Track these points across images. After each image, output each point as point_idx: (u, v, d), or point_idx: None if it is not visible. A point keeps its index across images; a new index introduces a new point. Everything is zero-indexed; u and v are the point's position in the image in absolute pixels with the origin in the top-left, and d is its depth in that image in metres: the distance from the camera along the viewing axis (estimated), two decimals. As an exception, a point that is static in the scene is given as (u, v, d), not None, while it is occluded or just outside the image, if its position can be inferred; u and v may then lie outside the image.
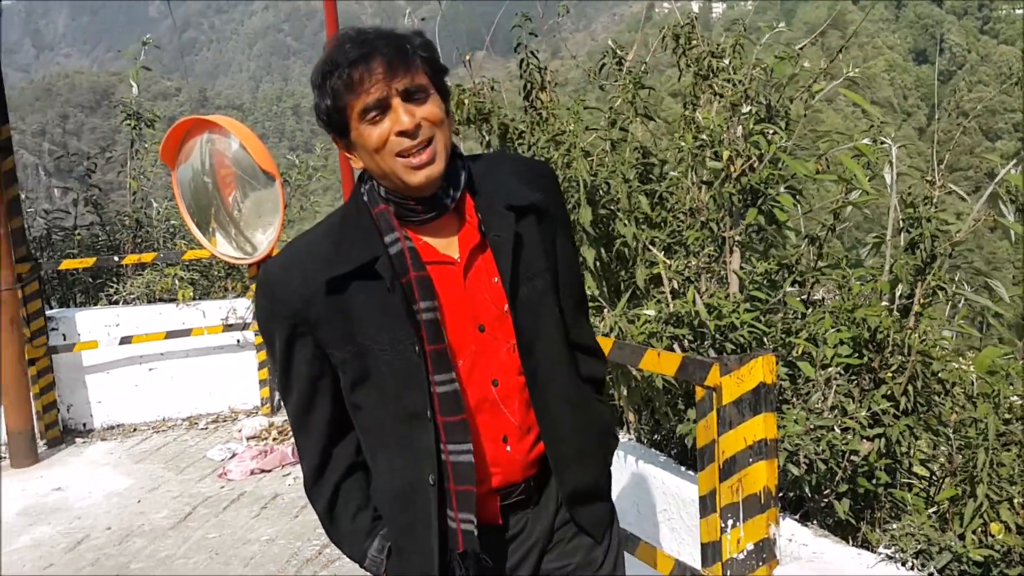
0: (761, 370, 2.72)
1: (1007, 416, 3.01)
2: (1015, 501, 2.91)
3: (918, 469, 3.43)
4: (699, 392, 2.80)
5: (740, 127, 3.54)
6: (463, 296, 1.91)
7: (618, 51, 4.33)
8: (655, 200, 4.05)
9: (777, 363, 2.75)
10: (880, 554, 2.60)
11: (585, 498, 2.07)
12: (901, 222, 3.50)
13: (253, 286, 7.46)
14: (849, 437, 2.98)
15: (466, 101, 4.41)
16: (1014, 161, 3.23)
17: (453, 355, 1.88)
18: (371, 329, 1.85)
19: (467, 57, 5.01)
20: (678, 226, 3.89)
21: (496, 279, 1.93)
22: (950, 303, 3.36)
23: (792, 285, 3.67)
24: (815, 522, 3.16)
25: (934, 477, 3.34)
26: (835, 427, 2.97)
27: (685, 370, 2.81)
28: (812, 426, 2.95)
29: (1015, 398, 3.03)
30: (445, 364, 1.86)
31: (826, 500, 3.18)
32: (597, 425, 2.13)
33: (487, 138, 4.44)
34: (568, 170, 3.85)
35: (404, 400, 1.87)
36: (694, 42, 3.99)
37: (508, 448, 1.96)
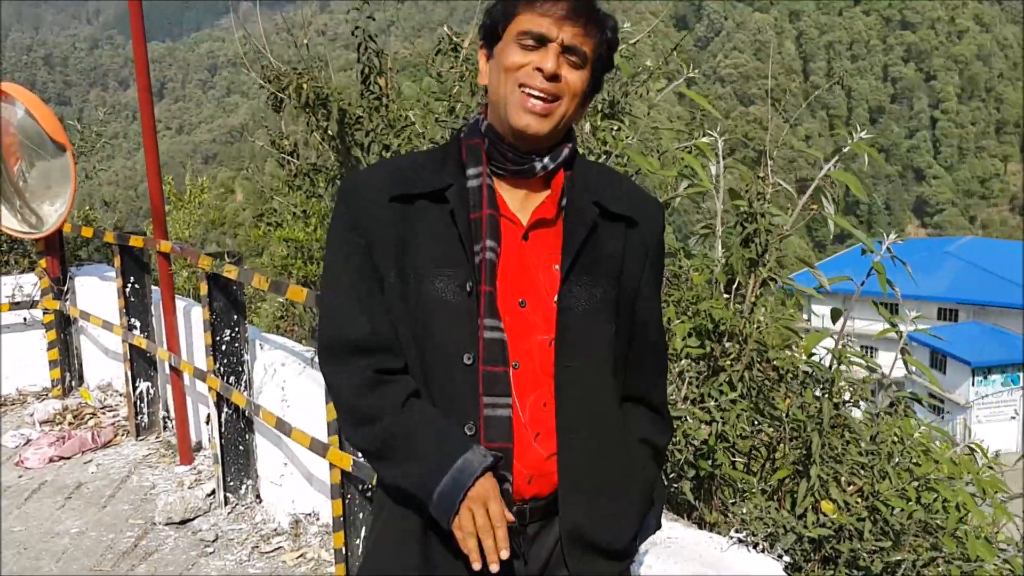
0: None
1: (835, 400, 3.26)
2: (842, 480, 3.16)
3: (741, 445, 3.64)
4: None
5: (588, 123, 3.61)
6: (515, 261, 1.83)
7: (453, 37, 4.29)
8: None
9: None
10: (732, 537, 2.74)
11: (589, 546, 1.85)
12: (729, 213, 3.69)
13: (42, 261, 6.93)
14: (696, 423, 3.13)
15: (304, 86, 4.23)
16: (835, 159, 3.47)
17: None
18: (426, 258, 1.79)
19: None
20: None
21: (556, 267, 1.83)
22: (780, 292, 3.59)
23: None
24: (666, 507, 3.29)
25: (769, 458, 3.56)
26: (687, 417, 3.11)
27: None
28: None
29: (843, 383, 3.28)
30: (495, 309, 1.78)
31: (675, 486, 3.33)
32: (633, 475, 1.93)
33: (325, 124, 4.28)
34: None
35: (447, 340, 1.78)
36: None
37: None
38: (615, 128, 3.64)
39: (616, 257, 1.88)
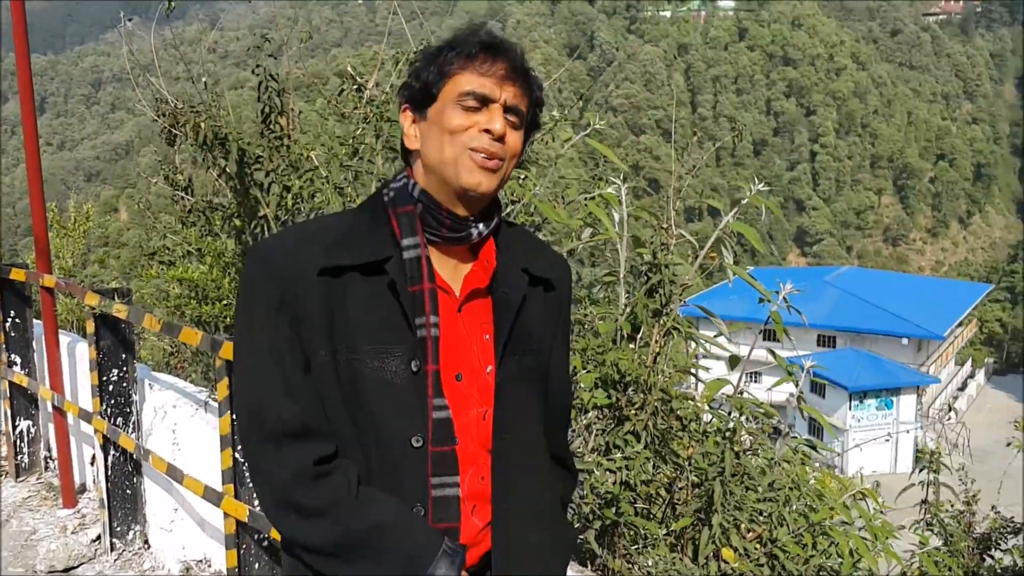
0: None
1: (736, 449, 3.32)
2: (742, 527, 3.22)
3: (642, 491, 3.68)
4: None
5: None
6: (451, 334, 1.76)
7: (358, 78, 4.24)
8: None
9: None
10: (638, 590, 2.75)
11: None
12: (634, 261, 3.75)
13: None
14: (601, 473, 3.15)
15: (202, 124, 4.10)
16: (735, 210, 3.56)
17: None
18: (363, 337, 1.69)
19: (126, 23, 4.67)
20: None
21: (488, 336, 1.80)
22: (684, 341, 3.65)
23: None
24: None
25: (670, 503, 3.60)
26: (595, 470, 3.12)
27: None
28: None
29: (745, 435, 3.35)
30: (440, 387, 1.72)
31: (581, 536, 3.33)
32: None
33: (223, 163, 4.16)
34: (312, 201, 3.72)
35: (394, 421, 1.70)
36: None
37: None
38: (522, 176, 3.66)
39: (539, 323, 1.88)
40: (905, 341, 50.17)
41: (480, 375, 1.79)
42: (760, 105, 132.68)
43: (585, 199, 3.60)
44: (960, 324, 57.20)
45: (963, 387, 57.05)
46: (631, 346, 3.54)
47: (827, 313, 51.22)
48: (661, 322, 3.48)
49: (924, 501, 5.67)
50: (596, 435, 3.32)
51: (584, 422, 3.31)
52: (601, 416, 3.41)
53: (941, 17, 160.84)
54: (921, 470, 5.57)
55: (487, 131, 1.70)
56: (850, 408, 44.63)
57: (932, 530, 5.87)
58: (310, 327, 1.69)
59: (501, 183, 1.79)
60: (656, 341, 3.50)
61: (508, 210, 3.60)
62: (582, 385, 3.33)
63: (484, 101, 1.71)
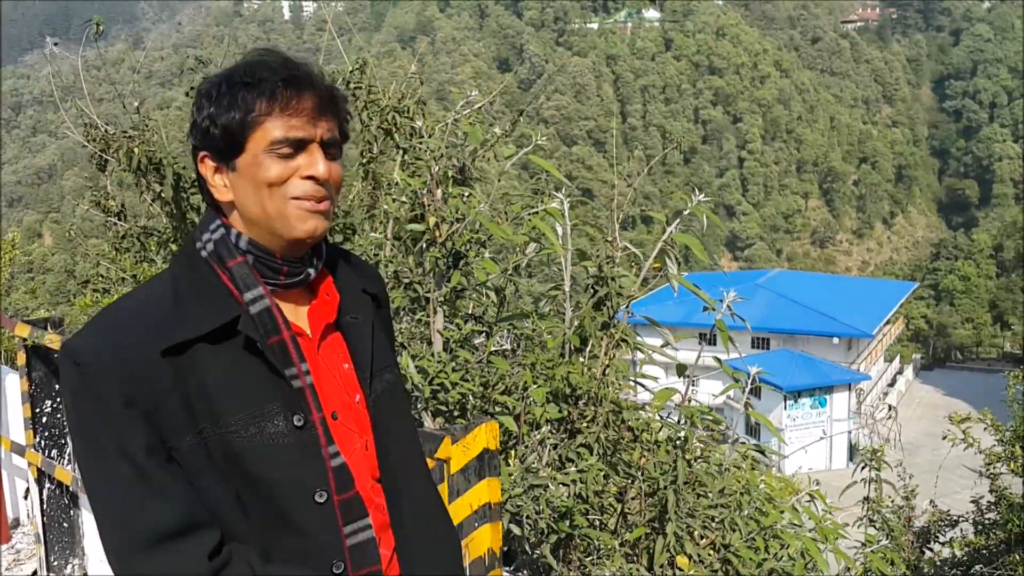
0: (485, 437, 2.78)
1: (688, 457, 3.36)
2: (695, 534, 3.25)
3: (594, 501, 3.70)
4: (429, 464, 2.80)
5: (440, 190, 3.60)
6: (317, 375, 1.66)
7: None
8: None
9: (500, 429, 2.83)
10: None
11: None
12: (584, 276, 3.77)
13: None
14: (555, 488, 3.16)
15: (136, 150, 4.00)
16: (677, 221, 3.60)
17: None
18: (231, 408, 1.54)
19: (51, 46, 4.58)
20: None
21: (347, 365, 1.72)
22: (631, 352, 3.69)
23: (480, 335, 3.81)
24: (526, 572, 3.30)
25: (623, 512, 3.62)
26: (549, 484, 3.13)
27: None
28: (529, 485, 3.07)
29: (697, 443, 3.39)
30: (330, 434, 1.63)
31: (537, 551, 3.33)
32: (454, 548, 1.92)
33: (159, 188, 4.06)
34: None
35: (289, 484, 1.58)
36: (373, 94, 3.98)
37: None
38: (466, 194, 3.66)
39: (382, 338, 1.85)
40: (836, 340, 51.24)
41: (352, 407, 1.71)
42: (688, 113, 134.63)
43: (529, 214, 3.62)
44: (888, 322, 58.61)
45: (893, 383, 58.43)
46: (580, 359, 3.56)
47: (760, 315, 52.02)
48: (609, 334, 3.51)
49: (866, 498, 5.81)
50: (549, 449, 3.32)
51: (538, 437, 3.32)
52: (554, 431, 3.42)
53: (859, 24, 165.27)
54: (862, 467, 5.70)
55: (310, 177, 1.58)
56: (785, 407, 45.38)
57: (875, 526, 6.01)
58: (166, 416, 1.53)
59: (329, 222, 1.68)
60: (605, 353, 3.53)
61: (453, 228, 3.60)
62: (533, 400, 3.34)
63: (299, 145, 1.57)
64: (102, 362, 1.51)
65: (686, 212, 3.57)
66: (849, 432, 44.00)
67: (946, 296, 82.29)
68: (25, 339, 4.76)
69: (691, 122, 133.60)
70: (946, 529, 7.92)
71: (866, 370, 52.60)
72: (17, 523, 5.73)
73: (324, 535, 1.61)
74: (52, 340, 4.59)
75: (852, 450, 43.80)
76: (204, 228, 1.65)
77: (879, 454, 5.57)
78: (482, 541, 2.82)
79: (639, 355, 3.75)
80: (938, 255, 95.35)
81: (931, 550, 7.86)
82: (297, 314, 1.69)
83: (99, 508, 1.56)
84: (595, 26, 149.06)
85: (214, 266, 1.62)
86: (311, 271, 1.68)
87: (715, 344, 3.91)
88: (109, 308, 1.61)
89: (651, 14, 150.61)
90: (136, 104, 4.22)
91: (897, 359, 63.08)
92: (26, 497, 5.71)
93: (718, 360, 3.68)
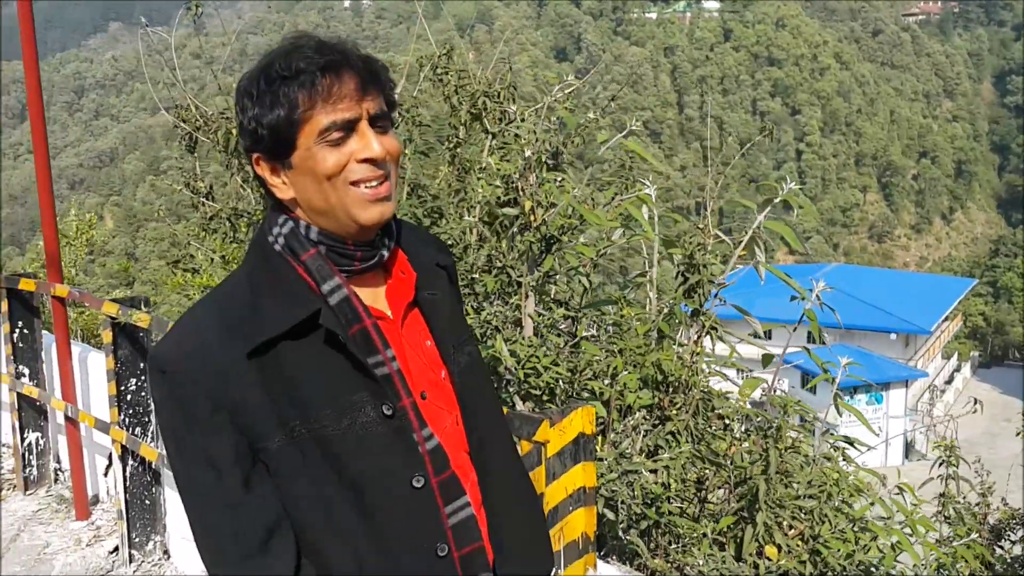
0: (581, 421, 2.79)
1: (780, 447, 3.33)
2: (784, 524, 3.23)
3: (677, 488, 3.69)
4: (525, 446, 2.82)
5: (533, 175, 3.61)
6: (404, 357, 1.65)
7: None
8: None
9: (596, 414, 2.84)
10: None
11: None
12: (661, 256, 3.76)
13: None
14: (654, 476, 3.16)
15: (233, 131, 4.08)
16: (768, 208, 3.58)
17: None
18: (320, 403, 1.54)
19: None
20: (466, 271, 3.89)
21: (429, 343, 1.72)
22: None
23: (565, 320, 3.82)
24: (614, 558, 3.30)
25: (707, 501, 3.61)
26: (643, 470, 3.13)
27: (511, 425, 2.80)
28: (623, 471, 3.08)
29: (792, 433, 3.37)
30: (422, 416, 1.63)
31: (626, 537, 3.34)
32: (540, 518, 1.95)
33: (251, 170, 4.12)
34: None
35: (382, 475, 1.58)
36: (464, 79, 4.01)
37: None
38: (559, 179, 3.66)
39: (459, 310, 1.86)
40: (893, 336, 50.42)
41: (438, 384, 1.72)
42: (746, 105, 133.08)
43: (620, 200, 3.62)
44: (946, 319, 57.53)
45: (950, 380, 57.34)
46: (672, 345, 3.55)
47: (817, 310, 51.33)
48: (700, 321, 3.50)
49: (942, 495, 5.72)
50: (643, 435, 3.33)
51: (631, 423, 3.32)
52: (647, 417, 3.42)
53: (920, 17, 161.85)
54: (940, 463, 5.61)
55: (366, 160, 1.56)
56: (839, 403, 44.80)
57: (949, 523, 5.91)
58: (254, 417, 1.54)
59: (395, 197, 1.66)
60: (695, 341, 3.52)
61: (547, 213, 3.62)
62: (626, 385, 3.34)
63: (349, 127, 1.55)
64: (187, 368, 1.53)
65: (777, 200, 3.55)
66: (905, 431, 43.30)
67: (1004, 293, 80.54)
68: (113, 317, 4.86)
69: (749, 113, 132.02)
70: (1016, 527, 7.78)
71: (923, 367, 51.69)
72: (96, 500, 5.87)
73: (426, 519, 1.61)
74: (141, 319, 4.69)
75: (908, 447, 43.11)
76: (272, 223, 1.64)
77: (955, 449, 5.47)
78: (576, 525, 2.84)
79: (719, 345, 3.73)
80: (997, 252, 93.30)
81: (1002, 548, 7.73)
82: (376, 297, 1.69)
83: (191, 519, 1.61)
84: (654, 15, 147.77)
85: (289, 260, 1.61)
86: (384, 252, 1.67)
87: (770, 338, 3.87)
88: (191, 312, 1.63)
89: (710, 4, 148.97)
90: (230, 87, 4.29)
91: (955, 356, 61.85)
92: (106, 475, 5.85)
93: (807, 350, 3.65)
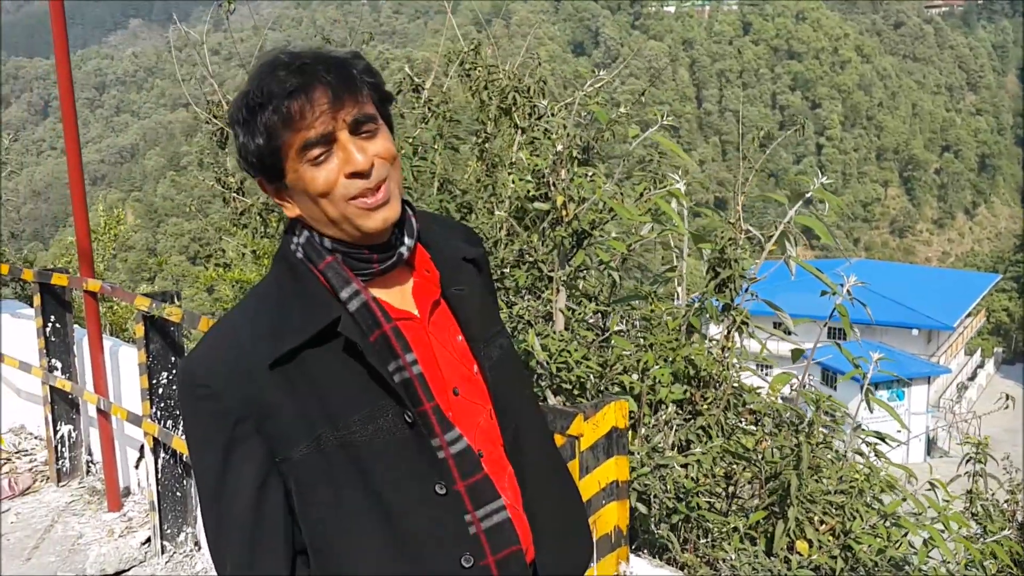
0: (614, 415, 2.81)
1: (812, 442, 3.34)
2: (815, 519, 3.23)
3: (705, 483, 3.70)
4: (559, 440, 2.84)
5: (564, 170, 3.62)
6: (433, 356, 1.65)
7: (415, 78, 4.25)
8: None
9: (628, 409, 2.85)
10: (723, 583, 2.78)
11: None
12: (690, 251, 3.77)
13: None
14: (684, 471, 3.18)
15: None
16: (799, 203, 3.58)
17: None
18: (347, 409, 1.55)
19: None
20: (496, 265, 3.91)
21: (460, 338, 1.71)
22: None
23: (595, 315, 3.83)
24: (645, 552, 3.32)
25: (737, 496, 3.62)
26: (675, 465, 3.14)
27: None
28: (656, 465, 3.10)
29: (822, 428, 3.37)
30: (447, 420, 1.61)
31: (658, 531, 3.35)
32: (578, 507, 1.92)
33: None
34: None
35: (408, 481, 1.58)
36: (494, 74, 4.02)
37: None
38: (590, 173, 3.68)
39: (490, 302, 1.86)
40: (915, 332, 50.06)
41: (471, 379, 1.71)
42: (766, 99, 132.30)
43: (650, 195, 3.63)
44: (969, 314, 57.07)
45: (973, 377, 56.90)
46: (704, 340, 3.56)
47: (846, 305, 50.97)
48: (731, 316, 3.51)
49: (969, 491, 5.70)
50: (675, 429, 3.34)
51: (664, 417, 3.34)
52: (680, 411, 3.43)
53: (943, 9, 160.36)
54: (968, 460, 5.59)
55: (354, 174, 1.54)
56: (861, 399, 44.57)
57: (977, 520, 5.89)
58: (280, 427, 1.55)
59: (400, 194, 1.64)
60: (727, 336, 3.53)
61: (577, 208, 3.63)
62: (658, 380, 3.36)
63: (326, 141, 1.53)
64: (214, 380, 1.55)
65: (808, 194, 3.55)
66: (928, 428, 43.03)
67: (1029, 289, 79.76)
68: (145, 311, 4.92)
69: (768, 107, 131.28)
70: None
71: (946, 363, 51.31)
72: (128, 492, 5.93)
73: (449, 527, 1.59)
74: (173, 313, 4.75)
75: (930, 444, 42.84)
76: (292, 232, 1.66)
77: (984, 446, 5.44)
78: (609, 519, 2.86)
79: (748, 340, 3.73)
80: (1022, 246, 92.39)
81: (1029, 546, 7.68)
82: (403, 295, 1.68)
83: (208, 536, 1.62)
84: (672, 9, 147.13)
85: (310, 268, 1.62)
86: (403, 250, 1.66)
87: (790, 334, 3.88)
88: (221, 322, 1.65)
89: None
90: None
91: (978, 352, 61.34)
92: (137, 467, 5.92)
93: (838, 346, 3.65)
